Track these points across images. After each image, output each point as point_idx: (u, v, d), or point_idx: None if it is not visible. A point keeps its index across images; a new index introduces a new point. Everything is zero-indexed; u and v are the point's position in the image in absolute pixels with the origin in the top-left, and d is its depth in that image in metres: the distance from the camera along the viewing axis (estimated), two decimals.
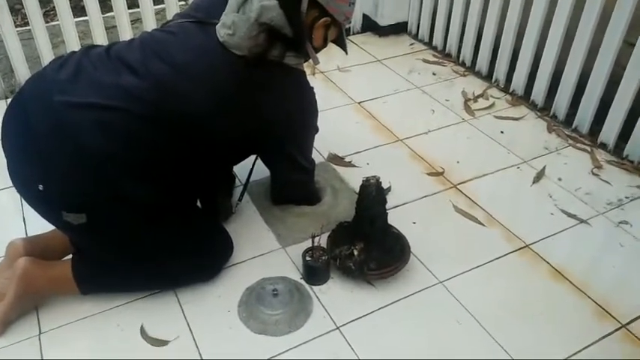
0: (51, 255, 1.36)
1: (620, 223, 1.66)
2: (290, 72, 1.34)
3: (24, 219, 1.61)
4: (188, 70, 1.23)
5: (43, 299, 1.36)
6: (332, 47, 1.48)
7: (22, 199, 1.66)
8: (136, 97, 1.19)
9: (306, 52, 1.35)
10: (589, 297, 1.43)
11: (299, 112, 1.41)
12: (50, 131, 1.17)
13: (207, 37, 1.26)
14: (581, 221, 1.66)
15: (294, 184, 1.59)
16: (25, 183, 1.23)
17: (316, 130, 1.52)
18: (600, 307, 1.41)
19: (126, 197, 1.20)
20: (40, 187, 1.18)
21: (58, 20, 2.22)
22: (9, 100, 2.13)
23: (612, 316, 1.38)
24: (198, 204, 1.52)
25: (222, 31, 1.25)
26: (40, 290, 1.32)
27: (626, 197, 1.76)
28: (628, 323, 1.37)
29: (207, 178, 1.46)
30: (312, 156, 1.57)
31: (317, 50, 1.41)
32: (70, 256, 1.38)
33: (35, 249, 1.34)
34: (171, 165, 1.26)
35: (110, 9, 2.27)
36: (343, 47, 1.47)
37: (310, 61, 1.38)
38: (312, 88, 1.43)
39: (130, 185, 1.20)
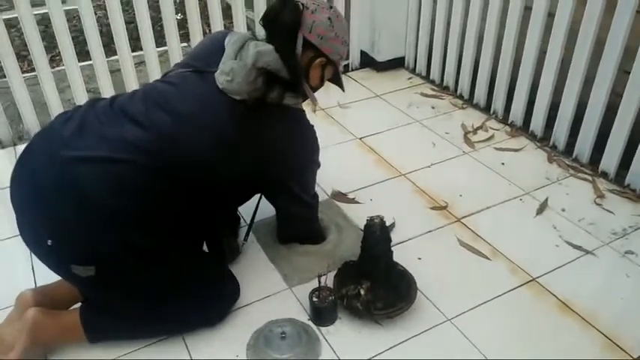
0: (60, 304, 1.37)
1: (625, 253, 1.66)
2: (289, 112, 1.36)
3: (33, 268, 1.61)
4: (191, 120, 1.25)
5: (53, 349, 1.36)
6: (331, 85, 1.51)
7: None
8: (141, 148, 1.21)
9: (303, 92, 1.38)
10: (597, 329, 1.43)
11: (300, 149, 1.43)
12: (57, 186, 1.19)
13: (207, 85, 1.29)
14: (587, 252, 1.66)
15: (297, 219, 1.60)
16: (33, 238, 1.25)
17: (318, 165, 1.54)
18: (609, 339, 1.40)
19: (133, 246, 1.22)
20: (49, 242, 1.20)
21: (63, 65, 2.27)
22: (17, 147, 2.20)
23: (622, 349, 1.37)
24: (205, 247, 1.53)
25: (221, 78, 1.28)
26: (50, 340, 1.32)
27: (630, 226, 1.76)
28: (639, 357, 1.36)
29: (212, 220, 1.47)
30: (316, 192, 1.59)
31: (315, 89, 1.45)
32: (79, 304, 1.39)
33: (44, 299, 1.35)
34: (177, 212, 1.28)
35: (114, 53, 2.32)
36: (340, 85, 1.51)
37: (309, 100, 1.41)
38: (312, 125, 1.46)
39: (138, 235, 1.22)
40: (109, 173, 1.19)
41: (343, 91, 1.51)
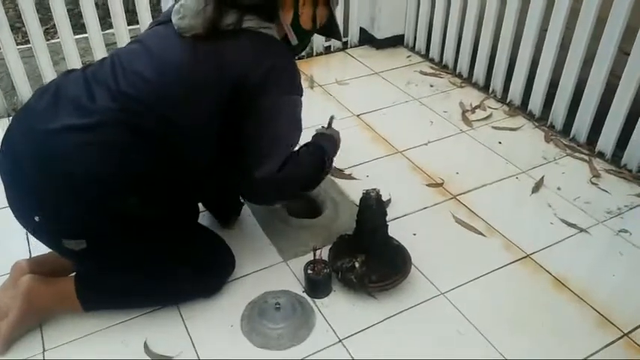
0: (55, 273, 1.37)
1: (619, 231, 1.67)
2: (258, 34, 1.25)
3: (27, 238, 1.61)
4: (158, 72, 1.21)
5: (47, 317, 1.36)
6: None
7: None
8: (115, 110, 1.18)
9: (273, 16, 1.26)
10: (590, 306, 1.44)
11: (273, 68, 1.24)
12: (35, 162, 1.18)
13: (169, 32, 1.25)
14: (581, 230, 1.67)
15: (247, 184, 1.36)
16: (22, 215, 1.25)
17: (296, 120, 1.32)
18: (602, 315, 1.41)
19: (123, 216, 1.21)
20: (37, 219, 1.20)
21: (58, 38, 2.24)
22: (11, 119, 2.18)
23: (614, 325, 1.39)
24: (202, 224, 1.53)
25: (174, 19, 1.24)
26: (44, 307, 1.32)
27: (625, 206, 1.77)
28: (630, 332, 1.37)
29: (203, 183, 1.39)
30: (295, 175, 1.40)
31: (306, 35, 1.37)
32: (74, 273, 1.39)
33: (40, 268, 1.35)
34: (161, 174, 1.24)
35: (110, 26, 2.30)
36: (336, 33, 1.44)
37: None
38: (295, 64, 1.32)
39: (124, 202, 1.20)
40: (87, 140, 1.17)
41: (340, 40, 1.45)
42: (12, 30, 2.15)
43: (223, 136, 1.27)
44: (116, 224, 1.21)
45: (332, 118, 1.62)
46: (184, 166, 1.28)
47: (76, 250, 1.22)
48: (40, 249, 1.46)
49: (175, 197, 1.31)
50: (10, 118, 2.21)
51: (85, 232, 1.21)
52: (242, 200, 1.63)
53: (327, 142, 1.51)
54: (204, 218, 1.60)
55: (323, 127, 1.59)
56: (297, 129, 1.34)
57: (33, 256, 1.48)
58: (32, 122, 1.21)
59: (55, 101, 1.22)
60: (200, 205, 1.58)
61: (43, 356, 1.31)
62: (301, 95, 1.33)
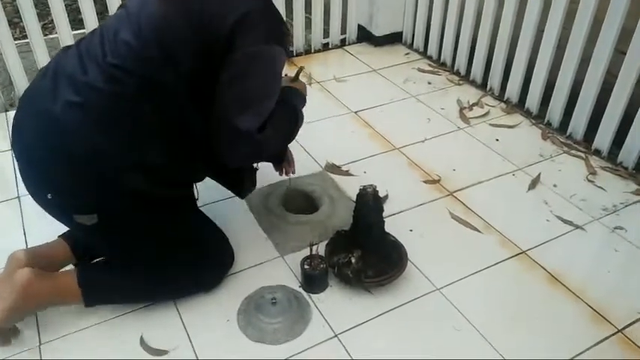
0: (52, 266, 1.37)
1: (615, 228, 1.67)
2: None
3: (24, 230, 1.62)
4: (136, 36, 1.20)
5: (41, 310, 1.35)
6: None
7: (23, 210, 1.69)
8: (101, 83, 1.18)
9: None
10: (585, 302, 1.44)
11: (249, 13, 1.19)
12: (43, 141, 1.20)
13: None
14: (577, 227, 1.67)
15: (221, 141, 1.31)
16: (35, 193, 1.27)
17: (273, 70, 1.27)
18: (596, 311, 1.42)
19: (132, 191, 1.22)
20: (49, 196, 1.22)
21: (56, 33, 2.24)
22: (9, 114, 2.18)
23: (608, 321, 1.39)
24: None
25: None
26: (41, 302, 1.31)
27: (621, 203, 1.77)
28: (624, 328, 1.38)
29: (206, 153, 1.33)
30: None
31: None
32: (70, 267, 1.39)
33: (37, 260, 1.35)
34: (159, 144, 1.24)
35: None
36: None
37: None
38: (274, 6, 1.30)
39: (130, 178, 1.21)
40: (84, 116, 1.18)
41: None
42: (10, 25, 2.15)
43: (211, 96, 1.23)
44: (126, 199, 1.23)
45: (301, 68, 1.56)
46: (181, 133, 1.26)
47: (88, 225, 1.23)
48: (36, 240, 1.47)
49: (179, 171, 1.31)
50: (8, 113, 2.21)
51: (96, 207, 1.22)
52: (255, 166, 1.54)
53: (297, 97, 1.47)
54: (207, 213, 1.58)
55: (288, 76, 1.50)
56: (277, 82, 1.30)
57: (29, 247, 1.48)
58: (37, 102, 1.22)
59: (55, 79, 1.22)
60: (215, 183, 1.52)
61: (39, 350, 1.31)
62: (283, 46, 1.27)
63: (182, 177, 1.37)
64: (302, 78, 1.51)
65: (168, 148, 1.26)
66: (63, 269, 1.40)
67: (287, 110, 1.41)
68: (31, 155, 1.23)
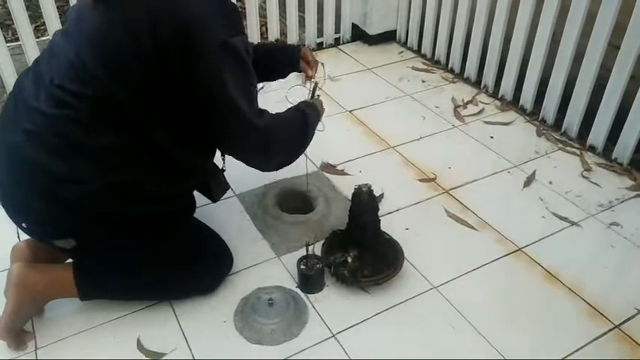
0: (53, 258, 1.36)
1: (610, 224, 1.68)
2: None
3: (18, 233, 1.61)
4: (79, 57, 1.13)
5: (45, 302, 1.35)
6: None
7: None
8: (52, 108, 1.13)
9: None
10: (582, 298, 1.45)
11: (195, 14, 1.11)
12: (9, 175, 1.20)
13: (81, 5, 1.20)
14: (573, 223, 1.68)
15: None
16: (13, 221, 1.26)
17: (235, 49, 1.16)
18: (593, 308, 1.42)
19: (106, 213, 1.19)
20: (24, 225, 1.23)
21: (48, 35, 2.23)
22: None
23: (605, 317, 1.40)
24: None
25: None
26: (40, 294, 1.30)
27: (617, 199, 1.78)
28: (621, 324, 1.38)
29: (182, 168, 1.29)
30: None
31: None
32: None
33: (38, 252, 1.34)
34: (133, 159, 1.18)
35: None
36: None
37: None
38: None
39: (101, 200, 1.17)
40: (41, 144, 1.14)
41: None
42: (1, 27, 2.14)
43: (178, 102, 1.16)
44: (101, 222, 1.20)
45: (315, 84, 1.53)
46: (151, 150, 1.19)
47: (68, 248, 1.23)
48: None
49: (158, 189, 1.24)
50: None
51: (70, 232, 1.21)
52: (222, 167, 1.48)
53: (308, 107, 1.43)
54: (202, 215, 1.57)
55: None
56: (250, 72, 1.22)
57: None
58: (5, 131, 1.21)
59: (16, 106, 1.20)
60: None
61: (36, 355, 1.30)
62: (243, 33, 1.19)
63: (160, 191, 1.26)
64: (297, 78, 1.50)
65: (139, 168, 1.20)
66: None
67: (293, 109, 1.41)
68: (5, 187, 1.21)
